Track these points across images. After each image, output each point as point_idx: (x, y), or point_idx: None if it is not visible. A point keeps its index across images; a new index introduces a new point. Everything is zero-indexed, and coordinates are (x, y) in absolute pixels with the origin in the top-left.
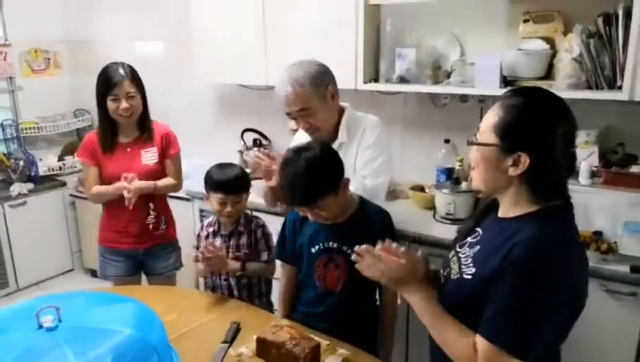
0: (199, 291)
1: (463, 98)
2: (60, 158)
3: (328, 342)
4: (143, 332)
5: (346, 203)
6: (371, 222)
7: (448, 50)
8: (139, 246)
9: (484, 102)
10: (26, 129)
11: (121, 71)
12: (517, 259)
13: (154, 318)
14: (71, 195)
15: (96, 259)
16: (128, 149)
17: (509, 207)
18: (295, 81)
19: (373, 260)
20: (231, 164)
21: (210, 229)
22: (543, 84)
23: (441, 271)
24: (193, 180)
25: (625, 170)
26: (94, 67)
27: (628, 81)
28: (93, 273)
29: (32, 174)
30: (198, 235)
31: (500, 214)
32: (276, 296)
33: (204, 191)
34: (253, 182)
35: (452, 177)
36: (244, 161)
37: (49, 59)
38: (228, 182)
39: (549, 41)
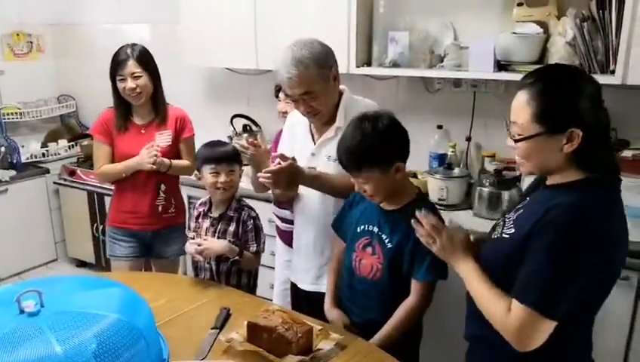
0: (188, 277)
1: (456, 83)
2: (44, 145)
3: (321, 327)
4: (129, 317)
5: (397, 189)
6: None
7: (441, 34)
8: (148, 227)
9: (477, 87)
10: (7, 114)
11: (128, 51)
12: (552, 220)
13: (141, 303)
14: (55, 183)
15: (81, 249)
16: (143, 131)
17: (557, 176)
18: (300, 63)
19: (431, 228)
20: (223, 142)
21: (201, 209)
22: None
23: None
24: None
25: (617, 154)
26: (79, 51)
27: (621, 65)
28: (77, 263)
29: (14, 161)
30: (190, 215)
31: (548, 182)
32: (261, 279)
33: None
34: (243, 167)
35: (445, 163)
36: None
37: (32, 42)
38: (219, 152)
39: (543, 24)
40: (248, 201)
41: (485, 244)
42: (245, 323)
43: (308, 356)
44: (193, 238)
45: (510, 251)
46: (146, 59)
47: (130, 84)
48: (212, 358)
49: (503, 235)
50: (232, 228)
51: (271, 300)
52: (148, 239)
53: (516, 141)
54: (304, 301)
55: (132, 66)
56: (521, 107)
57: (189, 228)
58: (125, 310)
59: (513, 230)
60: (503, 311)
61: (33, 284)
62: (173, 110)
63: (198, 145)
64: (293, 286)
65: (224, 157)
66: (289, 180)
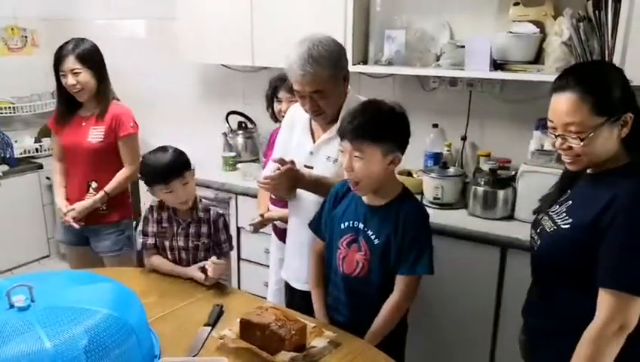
0: None
1: (452, 82)
2: (37, 140)
3: (315, 324)
4: (120, 313)
5: (384, 183)
6: (404, 218)
7: (438, 33)
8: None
9: (473, 86)
10: (1, 109)
11: (70, 46)
12: (621, 208)
13: (132, 298)
14: (47, 178)
15: None
16: (83, 123)
17: (603, 164)
18: (316, 61)
19: None
20: (163, 148)
21: (165, 215)
22: (533, 68)
23: (531, 230)
24: None
25: None
26: None
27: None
28: None
29: (7, 156)
30: (146, 218)
31: (592, 171)
32: (255, 277)
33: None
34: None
35: (440, 162)
36: (228, 144)
37: (26, 37)
38: (164, 169)
39: (539, 24)
40: (243, 199)
41: (538, 240)
42: (238, 320)
43: (301, 353)
44: (155, 244)
45: (576, 238)
46: (88, 56)
47: (70, 80)
48: (204, 355)
49: (562, 226)
50: (204, 229)
51: (265, 298)
52: (79, 230)
53: (583, 139)
54: (298, 300)
55: (71, 62)
56: (576, 106)
57: (144, 234)
58: (117, 306)
59: (571, 219)
60: (592, 332)
61: (24, 279)
62: (114, 107)
63: (141, 142)
64: (287, 284)
65: (172, 173)
66: (289, 185)
